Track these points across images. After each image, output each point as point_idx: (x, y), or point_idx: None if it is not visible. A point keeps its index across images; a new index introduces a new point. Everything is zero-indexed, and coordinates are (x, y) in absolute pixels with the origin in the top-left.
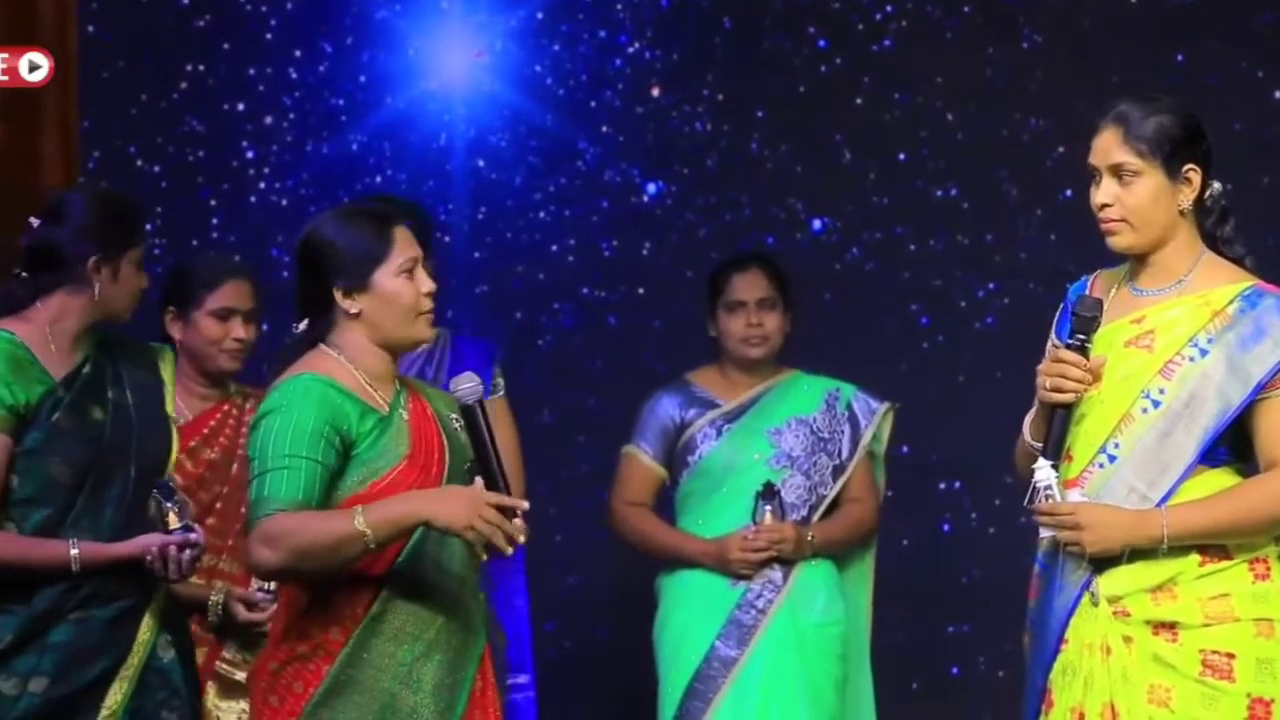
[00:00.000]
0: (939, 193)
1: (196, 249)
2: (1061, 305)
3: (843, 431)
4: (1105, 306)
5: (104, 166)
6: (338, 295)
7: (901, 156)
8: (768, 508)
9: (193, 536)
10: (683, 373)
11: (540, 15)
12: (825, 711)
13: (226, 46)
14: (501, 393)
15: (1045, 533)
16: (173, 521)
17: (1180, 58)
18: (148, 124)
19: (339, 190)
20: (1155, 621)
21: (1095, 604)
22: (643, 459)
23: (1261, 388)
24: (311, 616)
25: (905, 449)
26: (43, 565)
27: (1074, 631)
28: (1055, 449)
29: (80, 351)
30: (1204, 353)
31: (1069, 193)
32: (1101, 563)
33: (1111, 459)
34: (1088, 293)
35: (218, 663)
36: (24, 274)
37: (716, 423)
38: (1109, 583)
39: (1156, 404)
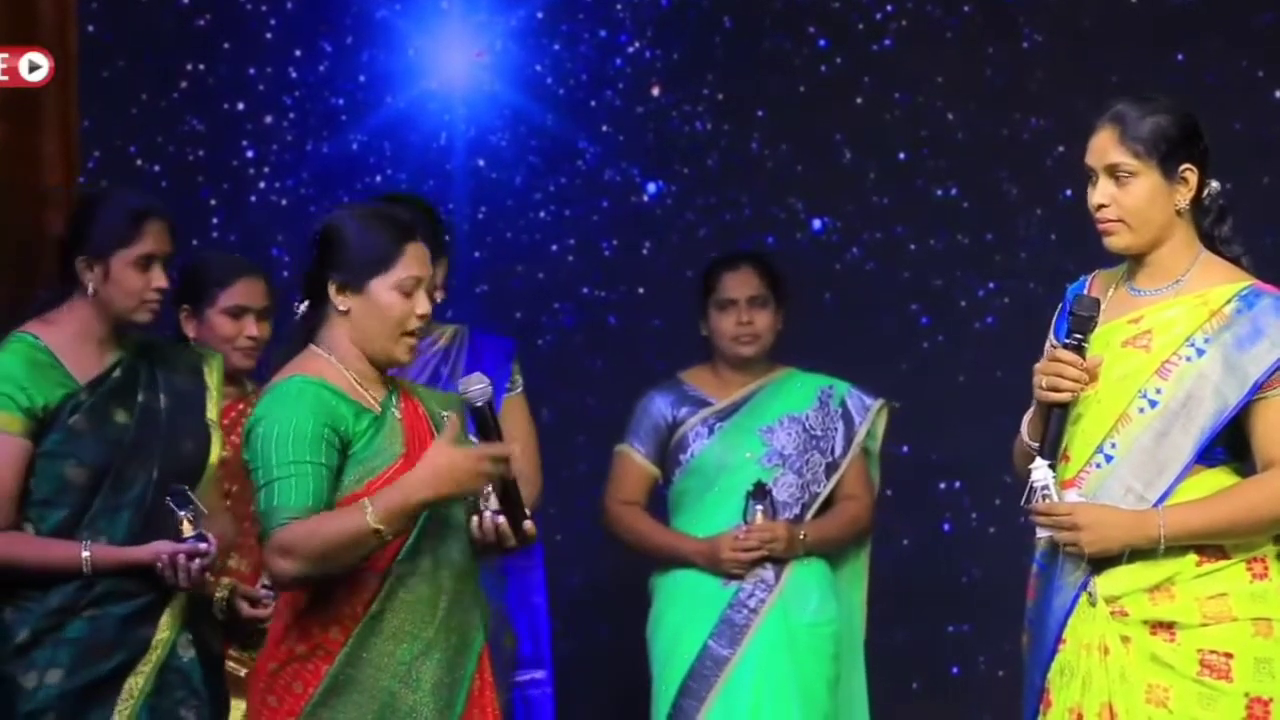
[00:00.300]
0: (939, 193)
1: (209, 247)
2: (1060, 305)
3: (836, 429)
4: (1103, 307)
5: (104, 166)
6: (331, 288)
7: (901, 156)
8: (759, 507)
9: (203, 546)
10: (676, 372)
11: (540, 15)
12: (817, 711)
13: (226, 46)
14: (519, 390)
15: (1043, 533)
16: (186, 529)
17: (1180, 58)
18: (148, 124)
19: (339, 190)
20: (1153, 621)
21: (1093, 604)
22: (635, 458)
23: (1258, 388)
24: (310, 616)
25: (905, 449)
26: (55, 566)
27: (1072, 631)
28: (1052, 448)
29: (111, 355)
30: (1201, 353)
31: (1069, 193)
32: (1099, 563)
33: (1108, 459)
34: (1086, 293)
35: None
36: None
37: (708, 421)
38: (1106, 583)
39: (1153, 404)
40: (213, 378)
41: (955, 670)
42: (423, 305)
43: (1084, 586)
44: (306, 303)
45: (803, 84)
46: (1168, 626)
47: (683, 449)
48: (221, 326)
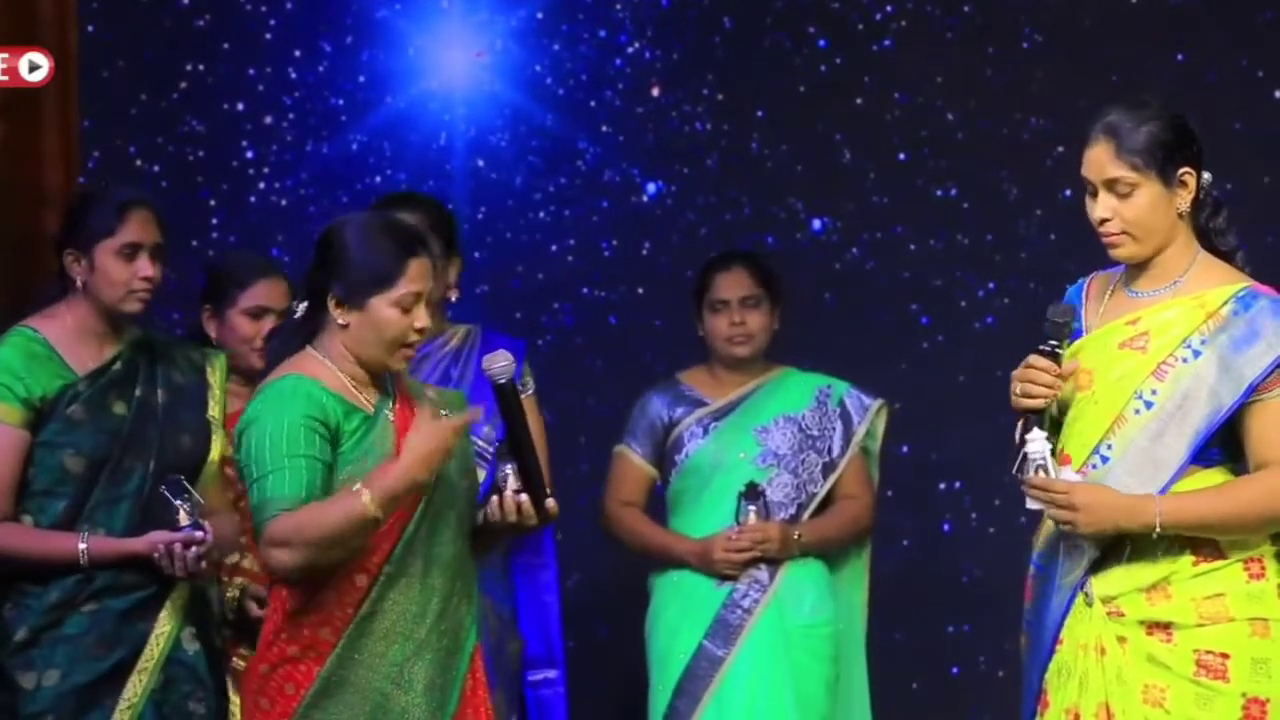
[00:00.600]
0: (939, 193)
1: (223, 249)
2: None
3: (833, 429)
4: (1101, 309)
5: (104, 166)
6: (331, 301)
7: (901, 156)
8: (751, 508)
9: (198, 535)
10: (675, 372)
11: (540, 15)
12: (814, 712)
13: (226, 46)
14: (530, 390)
15: (1033, 504)
16: (182, 519)
17: (1180, 57)
18: (148, 124)
19: (339, 190)
20: (1149, 622)
21: (1090, 604)
22: (633, 459)
23: (1254, 389)
24: (302, 617)
25: (905, 449)
26: (52, 558)
27: (1069, 632)
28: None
29: (111, 349)
30: (1197, 354)
31: (1069, 193)
32: (1096, 563)
33: (1104, 460)
34: (1084, 294)
35: (234, 658)
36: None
37: (704, 421)
38: (1103, 583)
39: (1149, 405)
40: (215, 376)
41: (955, 670)
42: (421, 319)
43: (1080, 587)
44: (306, 304)
45: (803, 84)
46: (1164, 627)
47: (678, 449)
48: (241, 327)
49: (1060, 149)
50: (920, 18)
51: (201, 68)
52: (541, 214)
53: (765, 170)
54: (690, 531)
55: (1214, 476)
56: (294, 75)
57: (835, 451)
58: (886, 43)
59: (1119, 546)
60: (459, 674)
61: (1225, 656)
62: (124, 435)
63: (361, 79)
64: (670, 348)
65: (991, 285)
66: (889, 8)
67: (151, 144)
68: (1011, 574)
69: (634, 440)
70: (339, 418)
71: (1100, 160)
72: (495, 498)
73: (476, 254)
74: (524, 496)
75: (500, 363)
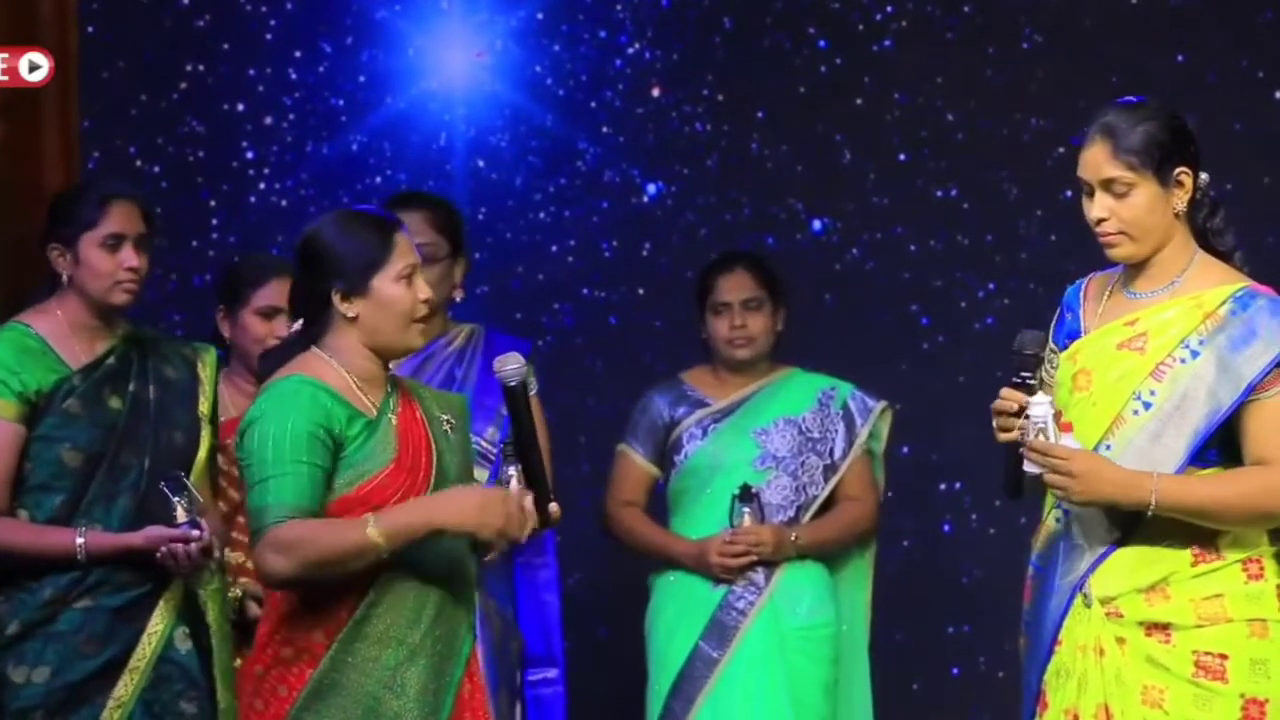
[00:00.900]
0: (939, 193)
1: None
2: (1058, 310)
3: (836, 431)
4: (1099, 310)
5: (104, 166)
6: (335, 298)
7: (901, 156)
8: (746, 510)
9: (195, 533)
10: (677, 372)
11: (540, 15)
12: (810, 715)
13: (226, 46)
14: (534, 391)
15: (1030, 468)
16: (180, 516)
17: (1180, 58)
18: (148, 124)
19: (339, 190)
20: (1148, 623)
21: (1088, 605)
22: (634, 458)
23: (1252, 389)
24: (296, 620)
25: (905, 449)
26: (49, 553)
27: (1067, 633)
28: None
29: (104, 343)
30: (1195, 354)
31: (1069, 193)
32: (1095, 564)
33: None
34: (1081, 295)
35: (235, 660)
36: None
37: (704, 422)
38: (1102, 584)
39: (1148, 405)
40: (206, 372)
41: (955, 670)
42: (424, 290)
43: (1079, 588)
44: (301, 320)
45: (803, 84)
46: (1163, 628)
47: (677, 450)
48: (254, 327)
49: (1060, 149)
50: (920, 18)
51: (201, 68)
52: (542, 214)
53: (765, 171)
54: (690, 532)
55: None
56: (294, 76)
57: (837, 454)
58: (886, 43)
59: (1118, 547)
60: (453, 680)
61: (1224, 657)
62: (120, 430)
63: (361, 79)
64: (670, 348)
65: (992, 286)
66: (889, 8)
67: (151, 144)
68: (1012, 574)
69: (635, 440)
70: (342, 425)
71: (1097, 160)
72: None
73: (477, 254)
74: (528, 500)
75: (511, 365)
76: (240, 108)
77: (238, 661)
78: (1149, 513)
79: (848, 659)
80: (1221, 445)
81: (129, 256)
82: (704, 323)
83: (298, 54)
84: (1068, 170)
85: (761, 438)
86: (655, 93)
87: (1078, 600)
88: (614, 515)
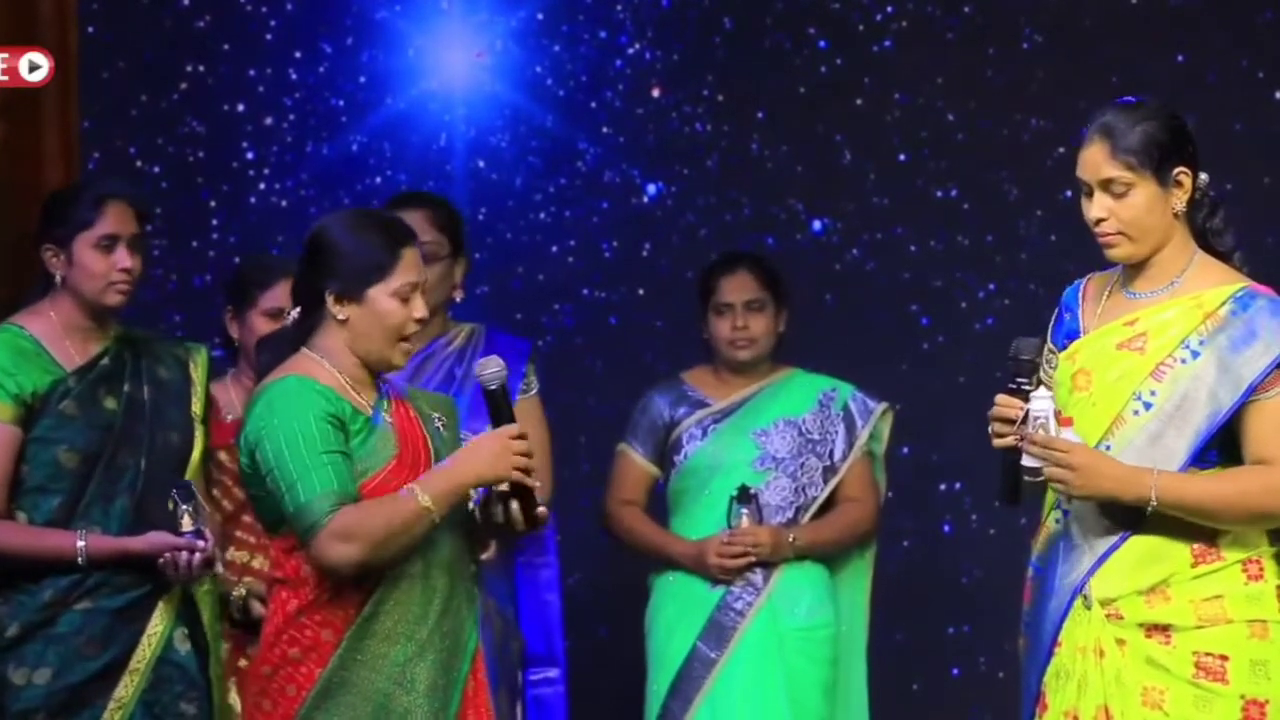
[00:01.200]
0: (939, 193)
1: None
2: (1056, 311)
3: (836, 432)
4: (1098, 310)
5: (104, 166)
6: (329, 298)
7: (901, 156)
8: (744, 511)
9: (200, 543)
10: (677, 372)
11: (541, 15)
12: (810, 715)
13: (226, 47)
14: (534, 391)
15: (1029, 461)
16: (186, 524)
17: (1180, 58)
18: (148, 124)
19: (339, 190)
20: (1148, 624)
21: (1088, 607)
22: (635, 458)
23: (1253, 390)
24: (303, 619)
25: (905, 449)
26: (48, 555)
27: (1067, 635)
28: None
29: (98, 344)
30: (1195, 354)
31: (1069, 193)
32: (1095, 565)
33: None
34: (1080, 295)
35: (240, 659)
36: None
37: (704, 423)
38: (1102, 585)
39: (1148, 406)
40: (198, 373)
41: (955, 671)
42: (419, 310)
43: (1079, 589)
44: (299, 310)
45: (803, 84)
46: (1163, 629)
47: (677, 450)
48: (261, 327)
49: (1060, 149)
50: (920, 18)
51: (201, 68)
52: (542, 215)
53: (765, 171)
54: (689, 532)
55: None
56: (294, 76)
57: (837, 455)
58: (886, 43)
59: (1118, 549)
60: (461, 675)
61: (1224, 658)
62: (116, 431)
63: (362, 80)
64: (671, 348)
65: (992, 286)
66: (889, 8)
67: (151, 144)
68: (1012, 575)
69: (635, 439)
70: (347, 415)
71: (1095, 160)
72: (484, 499)
73: (477, 255)
74: (515, 502)
75: (491, 369)
76: (240, 108)
77: (243, 661)
78: (1149, 508)
79: (845, 658)
80: (1222, 446)
81: (123, 258)
82: (706, 323)
83: (298, 54)
84: (1068, 170)
85: (761, 439)
86: (655, 93)
87: (1078, 602)
88: (614, 514)
